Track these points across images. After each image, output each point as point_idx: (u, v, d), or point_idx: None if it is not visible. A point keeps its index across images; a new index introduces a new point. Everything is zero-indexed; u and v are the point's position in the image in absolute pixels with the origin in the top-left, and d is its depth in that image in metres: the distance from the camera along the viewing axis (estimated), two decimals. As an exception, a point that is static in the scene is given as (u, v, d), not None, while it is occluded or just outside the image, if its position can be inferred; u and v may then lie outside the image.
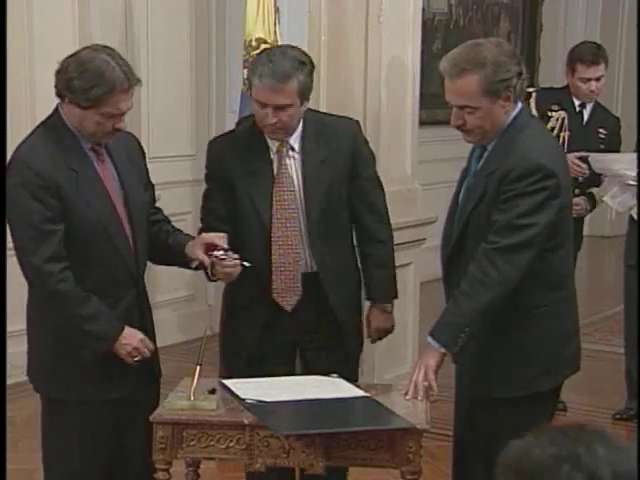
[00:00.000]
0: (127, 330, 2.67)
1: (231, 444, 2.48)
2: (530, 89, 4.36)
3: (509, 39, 8.25)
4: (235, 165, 2.96)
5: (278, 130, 2.90)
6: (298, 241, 2.96)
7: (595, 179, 4.52)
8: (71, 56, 2.61)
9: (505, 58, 2.60)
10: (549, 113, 4.43)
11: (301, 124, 2.97)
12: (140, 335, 2.70)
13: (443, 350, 2.60)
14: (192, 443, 2.49)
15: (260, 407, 2.51)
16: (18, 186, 2.57)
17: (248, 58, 4.68)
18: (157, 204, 2.99)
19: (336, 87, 4.25)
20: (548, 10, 8.77)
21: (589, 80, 4.45)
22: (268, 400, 2.55)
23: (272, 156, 2.98)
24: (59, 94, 2.59)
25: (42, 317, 2.74)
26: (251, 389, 2.63)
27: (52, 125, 2.66)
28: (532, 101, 4.36)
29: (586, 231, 5.56)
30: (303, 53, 2.95)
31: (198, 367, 2.58)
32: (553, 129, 4.35)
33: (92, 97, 2.51)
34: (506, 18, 8.26)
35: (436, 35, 7.22)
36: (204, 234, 2.83)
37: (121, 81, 2.52)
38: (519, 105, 2.67)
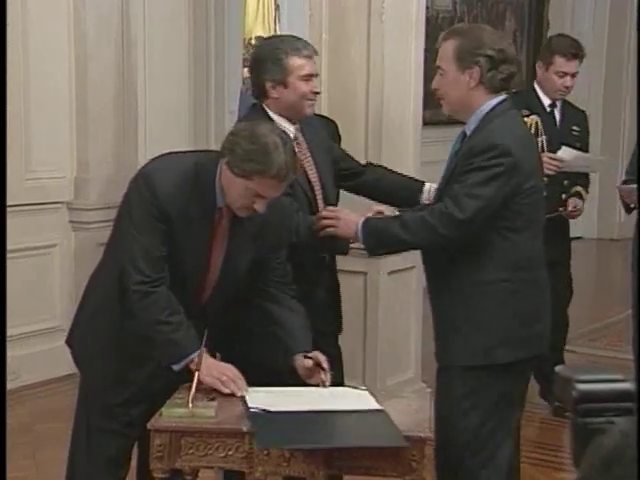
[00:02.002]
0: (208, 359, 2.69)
1: (230, 452, 2.48)
2: None
3: (515, 37, 8.27)
4: None
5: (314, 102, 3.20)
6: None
7: (580, 177, 4.45)
8: (251, 124, 2.69)
9: (487, 41, 2.82)
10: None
11: None
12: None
13: (359, 241, 2.87)
14: (190, 451, 2.49)
15: (260, 416, 2.51)
16: (135, 194, 2.67)
17: (247, 57, 4.69)
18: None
19: (337, 87, 4.27)
20: (555, 7, 8.78)
21: (565, 75, 4.31)
22: (273, 409, 2.55)
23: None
24: (222, 152, 2.64)
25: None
26: (262, 397, 2.63)
27: (203, 167, 2.69)
28: None
29: (594, 234, 5.64)
30: None
31: (197, 373, 2.59)
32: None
33: (245, 169, 2.57)
34: (511, 16, 8.27)
35: (440, 33, 7.21)
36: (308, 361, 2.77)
37: (278, 168, 2.55)
38: (500, 96, 2.86)
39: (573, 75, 4.32)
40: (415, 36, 4.36)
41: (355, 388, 2.82)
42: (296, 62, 3.10)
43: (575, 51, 4.30)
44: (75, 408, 2.95)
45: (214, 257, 2.76)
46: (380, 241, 2.89)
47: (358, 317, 4.17)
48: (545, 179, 3.94)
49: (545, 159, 3.92)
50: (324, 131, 3.42)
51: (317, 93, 3.18)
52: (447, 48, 2.86)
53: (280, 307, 2.85)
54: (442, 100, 2.90)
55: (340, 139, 3.81)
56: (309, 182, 3.19)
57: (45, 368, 5.01)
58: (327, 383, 2.71)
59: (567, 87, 4.33)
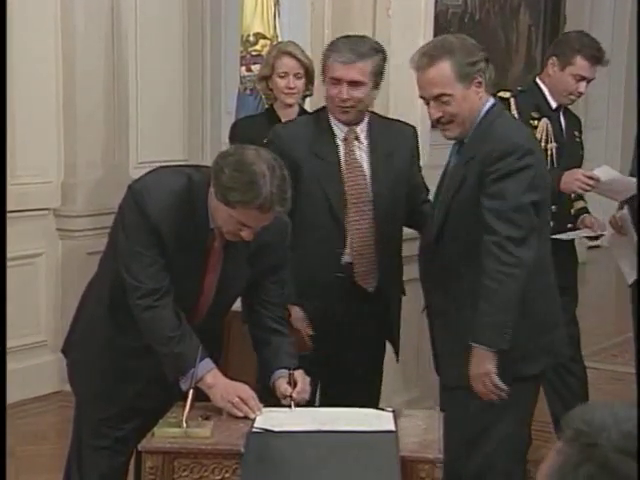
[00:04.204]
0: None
1: (227, 475, 2.48)
2: (506, 94, 3.94)
3: (529, 33, 8.30)
4: (301, 147, 3.25)
5: (349, 109, 3.25)
6: (372, 225, 3.29)
7: None
8: (241, 148, 2.68)
9: (472, 48, 2.92)
10: (532, 122, 3.95)
11: (367, 118, 3.36)
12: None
13: (495, 350, 2.75)
14: (184, 474, 2.49)
15: (258, 437, 2.51)
16: (127, 212, 2.71)
17: (245, 55, 4.71)
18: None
19: (341, 86, 4.27)
20: (572, 1, 8.79)
21: (583, 79, 3.99)
22: (276, 430, 2.55)
23: (338, 142, 3.30)
24: (210, 173, 2.66)
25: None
26: (272, 417, 2.63)
27: (195, 185, 2.71)
28: (513, 108, 3.93)
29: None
30: (378, 44, 3.41)
31: (191, 391, 2.60)
32: (540, 142, 3.93)
33: (228, 197, 2.59)
34: (526, 10, 8.29)
35: (450, 29, 7.23)
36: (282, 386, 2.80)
37: (263, 199, 2.55)
38: (492, 99, 2.96)
39: (589, 81, 4.04)
40: (423, 32, 4.37)
41: (382, 410, 2.81)
42: (331, 59, 3.26)
43: (600, 55, 4.01)
44: (70, 427, 3.01)
45: (208, 280, 2.80)
46: (500, 327, 2.78)
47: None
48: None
49: (579, 176, 3.83)
50: (407, 141, 3.44)
51: (342, 99, 3.24)
52: (442, 73, 2.86)
53: (266, 330, 2.90)
54: (450, 124, 2.91)
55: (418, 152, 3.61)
56: (343, 190, 3.25)
57: (29, 386, 5.01)
58: (292, 403, 2.72)
59: (581, 93, 4.04)
